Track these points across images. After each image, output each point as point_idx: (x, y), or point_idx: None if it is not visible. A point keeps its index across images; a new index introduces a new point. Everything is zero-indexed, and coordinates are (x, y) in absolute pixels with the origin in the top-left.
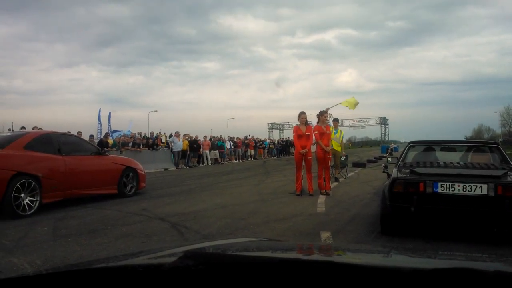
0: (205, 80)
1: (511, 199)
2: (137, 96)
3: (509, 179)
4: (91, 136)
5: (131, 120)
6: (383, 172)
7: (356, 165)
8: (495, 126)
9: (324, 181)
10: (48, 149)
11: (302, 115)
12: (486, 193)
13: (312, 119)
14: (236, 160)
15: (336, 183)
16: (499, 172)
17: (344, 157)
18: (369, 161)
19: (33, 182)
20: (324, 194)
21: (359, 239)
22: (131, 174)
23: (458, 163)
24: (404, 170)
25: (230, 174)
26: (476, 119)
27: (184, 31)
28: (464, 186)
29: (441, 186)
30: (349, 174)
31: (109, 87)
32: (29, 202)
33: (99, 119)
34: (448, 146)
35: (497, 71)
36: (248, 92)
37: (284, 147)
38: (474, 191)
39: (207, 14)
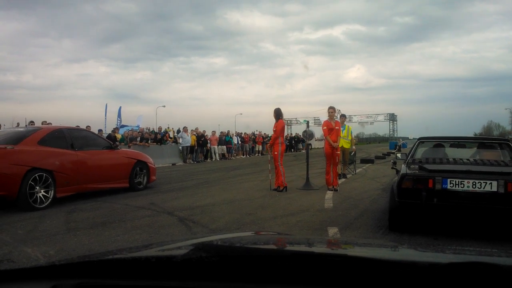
0: (212, 76)
1: None
2: (145, 91)
3: None
4: (100, 130)
5: (141, 114)
6: (392, 168)
7: (364, 161)
8: (505, 122)
9: (332, 177)
10: (61, 144)
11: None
12: (496, 190)
13: (321, 115)
14: (243, 155)
15: (343, 179)
16: (509, 169)
17: (353, 153)
18: (377, 157)
19: (47, 176)
20: (332, 190)
21: (367, 235)
22: (142, 168)
23: (467, 159)
24: (413, 166)
25: (238, 170)
26: (486, 115)
27: (192, 27)
28: (474, 183)
29: (450, 183)
30: (357, 170)
31: (117, 82)
32: (43, 196)
33: (106, 114)
34: (458, 142)
35: (507, 68)
36: (256, 87)
37: (291, 143)
38: (483, 188)
39: (214, 10)
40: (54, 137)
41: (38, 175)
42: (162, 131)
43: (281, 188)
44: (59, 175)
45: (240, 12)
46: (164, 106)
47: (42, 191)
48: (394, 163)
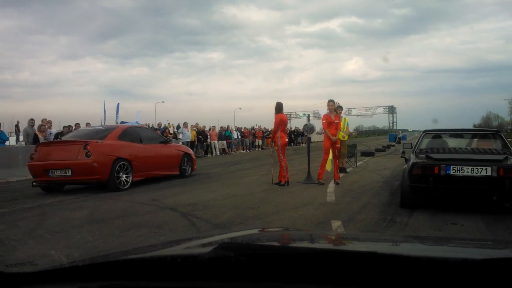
0: (210, 71)
1: (511, 179)
2: (142, 87)
3: (509, 162)
4: None
5: (139, 111)
6: (401, 157)
7: (365, 154)
8: (504, 113)
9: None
10: (133, 139)
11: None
12: (490, 174)
13: (320, 108)
14: (243, 150)
15: (342, 173)
16: (500, 157)
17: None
18: (377, 150)
19: (127, 164)
20: (319, 184)
21: (370, 228)
22: (187, 158)
23: (466, 148)
24: (421, 155)
25: (238, 164)
26: (485, 106)
27: (188, 22)
28: (472, 169)
29: (453, 169)
30: (358, 163)
31: (114, 78)
32: (125, 180)
33: (104, 111)
34: (458, 133)
35: (504, 58)
36: (254, 82)
37: (291, 137)
38: (480, 173)
39: (210, 5)
40: (127, 133)
41: (121, 163)
42: (162, 127)
43: (283, 183)
44: (135, 163)
45: (237, 6)
46: (163, 102)
47: (124, 176)
48: (403, 152)
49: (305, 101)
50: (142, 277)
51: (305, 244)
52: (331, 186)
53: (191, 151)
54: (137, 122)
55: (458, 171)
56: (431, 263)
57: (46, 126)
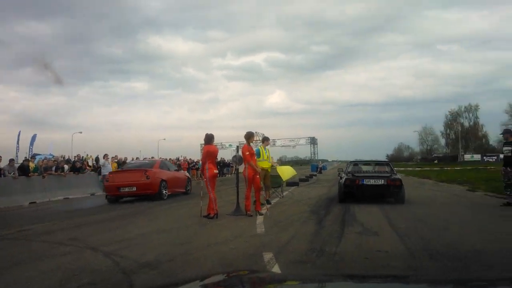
0: (133, 100)
1: (393, 186)
2: (59, 117)
3: (392, 177)
4: (12, 159)
5: (51, 142)
6: (338, 176)
7: (290, 184)
8: (414, 144)
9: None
10: (165, 168)
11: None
12: (383, 183)
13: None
14: None
15: (268, 205)
16: (388, 174)
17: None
18: (301, 180)
19: (166, 184)
20: (247, 216)
21: (301, 259)
22: (189, 181)
23: (372, 171)
24: (349, 174)
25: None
26: (397, 138)
27: (111, 50)
28: (375, 180)
29: (365, 181)
30: (284, 193)
31: (29, 108)
32: (165, 193)
33: (17, 142)
34: (368, 163)
35: (414, 93)
36: (179, 112)
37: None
38: (378, 183)
39: (135, 34)
40: (162, 164)
41: (164, 183)
42: (80, 158)
43: (212, 215)
44: (168, 183)
45: (162, 37)
46: (80, 133)
47: (164, 191)
48: (339, 173)
49: (231, 132)
50: None
51: None
52: (260, 217)
53: (189, 176)
54: (51, 155)
55: (368, 182)
56: None
57: None
